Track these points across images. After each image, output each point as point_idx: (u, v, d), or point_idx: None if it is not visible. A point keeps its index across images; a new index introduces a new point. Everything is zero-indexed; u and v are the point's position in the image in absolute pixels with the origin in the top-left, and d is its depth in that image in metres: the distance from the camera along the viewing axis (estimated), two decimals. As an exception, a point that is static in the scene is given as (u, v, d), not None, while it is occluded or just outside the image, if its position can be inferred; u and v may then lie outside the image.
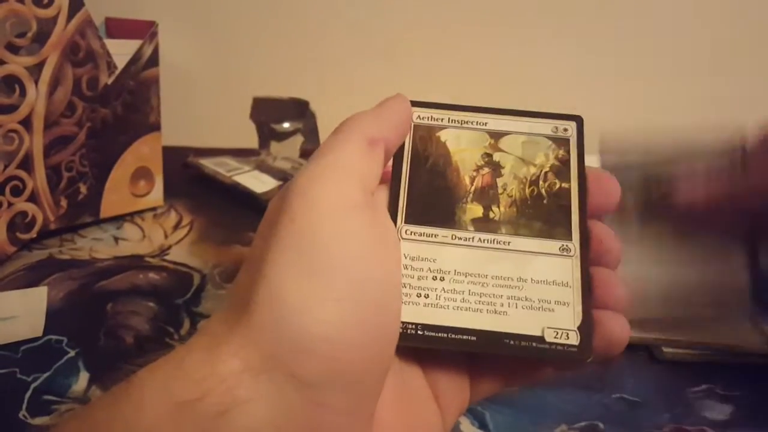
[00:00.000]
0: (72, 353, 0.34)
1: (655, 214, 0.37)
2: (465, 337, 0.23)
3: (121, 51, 0.45)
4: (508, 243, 0.24)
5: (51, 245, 0.44)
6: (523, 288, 0.23)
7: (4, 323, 0.35)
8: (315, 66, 0.66)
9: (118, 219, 0.48)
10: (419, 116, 0.26)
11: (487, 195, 0.25)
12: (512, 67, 0.66)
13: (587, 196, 0.25)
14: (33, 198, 0.42)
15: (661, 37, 0.65)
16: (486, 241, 0.24)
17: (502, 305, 0.23)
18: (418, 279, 0.23)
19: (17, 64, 0.39)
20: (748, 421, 0.31)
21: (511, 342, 0.23)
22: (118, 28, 0.48)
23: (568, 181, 0.25)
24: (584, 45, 0.65)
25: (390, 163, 0.25)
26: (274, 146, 0.57)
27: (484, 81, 0.65)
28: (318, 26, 0.65)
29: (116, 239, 0.46)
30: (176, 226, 0.48)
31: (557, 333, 0.23)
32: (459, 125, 0.26)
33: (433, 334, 0.23)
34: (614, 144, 0.37)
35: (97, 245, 0.45)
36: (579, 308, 0.23)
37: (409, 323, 0.23)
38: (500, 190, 0.25)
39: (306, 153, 0.57)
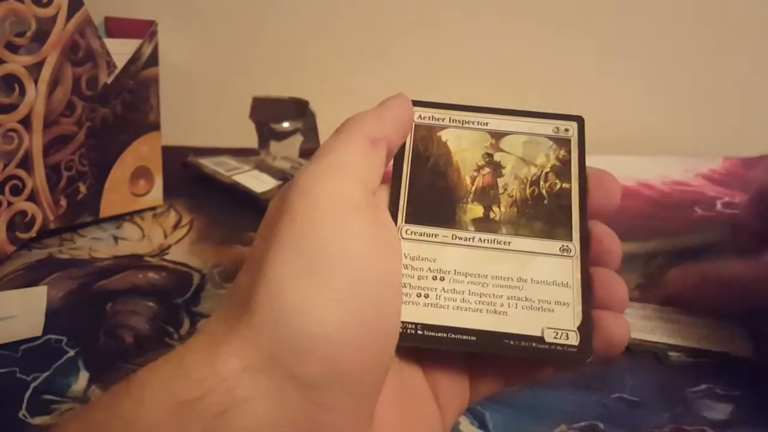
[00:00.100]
0: (72, 353, 0.34)
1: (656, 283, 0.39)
2: (465, 337, 0.23)
3: (121, 50, 0.44)
4: (509, 243, 0.24)
5: (50, 245, 0.44)
6: (523, 288, 0.23)
7: (4, 323, 0.35)
8: (315, 66, 0.66)
9: (118, 218, 0.48)
10: (420, 116, 0.26)
11: (487, 195, 0.25)
12: (512, 67, 0.66)
13: (588, 197, 0.25)
14: (32, 197, 0.42)
15: (662, 38, 0.65)
16: (486, 241, 0.24)
17: (502, 305, 0.23)
18: (419, 279, 0.23)
19: (17, 64, 0.39)
20: (748, 420, 0.31)
21: (511, 342, 0.23)
22: (117, 27, 0.48)
23: (569, 181, 0.25)
24: (584, 45, 0.65)
25: (391, 162, 0.25)
26: (274, 146, 0.57)
27: (484, 81, 0.65)
28: (318, 26, 0.65)
29: (116, 239, 0.46)
30: (176, 226, 0.48)
31: (557, 333, 0.23)
32: (460, 125, 0.26)
33: (433, 334, 0.23)
34: None
35: (96, 245, 0.45)
36: (579, 308, 0.23)
37: (409, 323, 0.23)
38: (501, 190, 0.25)
39: (305, 153, 0.56)
